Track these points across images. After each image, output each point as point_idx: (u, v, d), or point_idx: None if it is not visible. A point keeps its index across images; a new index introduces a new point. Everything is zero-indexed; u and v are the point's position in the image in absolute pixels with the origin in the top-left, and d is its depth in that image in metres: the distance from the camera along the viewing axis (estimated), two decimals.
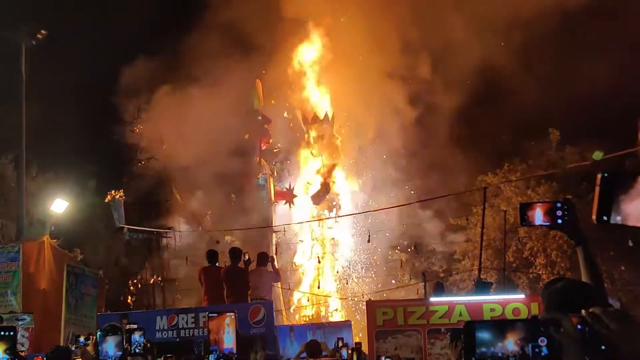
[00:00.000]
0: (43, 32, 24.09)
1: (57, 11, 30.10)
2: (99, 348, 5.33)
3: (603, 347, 2.43)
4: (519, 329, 2.25)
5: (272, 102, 32.88)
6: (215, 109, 28.80)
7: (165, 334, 15.60)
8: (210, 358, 5.10)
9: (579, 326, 2.79)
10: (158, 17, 32.66)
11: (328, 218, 31.20)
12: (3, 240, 21.30)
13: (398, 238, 32.42)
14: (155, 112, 30.72)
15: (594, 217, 1.94)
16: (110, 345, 5.31)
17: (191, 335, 15.19)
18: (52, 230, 22.04)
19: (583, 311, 2.76)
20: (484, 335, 2.23)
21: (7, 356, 4.05)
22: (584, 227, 3.94)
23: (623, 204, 2.02)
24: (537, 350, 2.22)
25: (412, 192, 30.87)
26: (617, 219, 2.34)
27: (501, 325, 2.26)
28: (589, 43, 29.59)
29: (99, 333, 5.50)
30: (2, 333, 4.06)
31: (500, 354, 2.23)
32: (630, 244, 24.77)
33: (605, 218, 1.86)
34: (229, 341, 5.05)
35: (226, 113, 29.45)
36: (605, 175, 1.76)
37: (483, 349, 2.23)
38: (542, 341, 2.23)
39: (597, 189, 1.85)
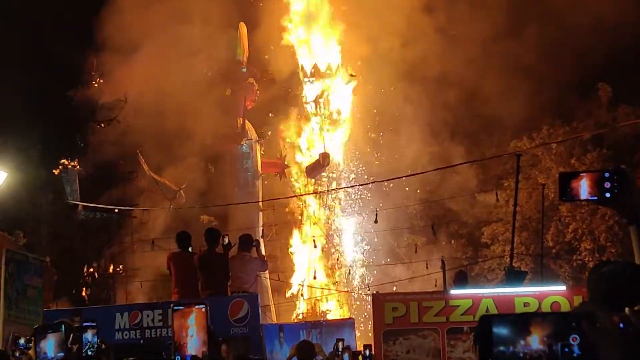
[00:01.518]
0: None
1: None
2: (37, 348, 5.31)
3: None
4: (546, 324, 2.20)
5: (266, 56, 32.86)
6: (190, 59, 28.73)
7: (126, 334, 15.58)
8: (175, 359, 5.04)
9: (621, 325, 2.74)
10: None
11: (325, 191, 31.23)
12: None
13: (412, 218, 32.47)
14: (118, 64, 30.63)
15: None
16: (49, 344, 5.26)
17: (158, 335, 15.15)
18: None
19: (627, 309, 2.71)
20: (502, 331, 2.20)
21: None
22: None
23: None
24: (567, 349, 2.17)
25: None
26: None
27: (524, 320, 2.21)
28: None
29: (35, 331, 5.46)
30: None
31: (521, 354, 2.19)
32: None
33: None
34: (194, 344, 4.96)
35: (203, 64, 29.40)
36: None
37: (501, 348, 2.20)
38: (574, 339, 2.18)
39: None
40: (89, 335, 6.22)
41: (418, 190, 32.83)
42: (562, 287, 16.97)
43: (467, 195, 32.96)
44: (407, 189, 31.58)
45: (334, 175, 32.37)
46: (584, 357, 2.19)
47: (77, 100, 31.68)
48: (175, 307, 5.40)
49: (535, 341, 2.18)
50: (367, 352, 13.70)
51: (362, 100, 33.24)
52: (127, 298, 29.49)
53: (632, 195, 3.72)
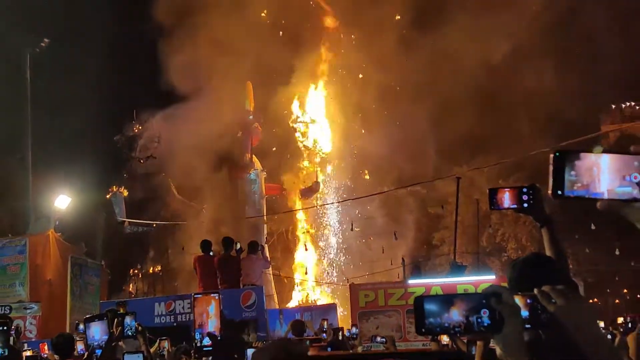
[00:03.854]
0: (46, 40, 24.13)
1: (62, 21, 29.93)
2: (87, 333, 5.28)
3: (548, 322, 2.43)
4: (464, 302, 2.26)
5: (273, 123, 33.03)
6: (209, 109, 28.73)
7: (163, 319, 15.52)
8: (196, 336, 5.04)
9: (528, 300, 2.77)
10: (155, 26, 32.39)
11: (314, 207, 31.24)
12: (12, 234, 21.17)
13: (380, 226, 32.44)
14: (153, 113, 30.80)
15: (549, 192, 1.95)
16: (96, 330, 5.24)
17: (187, 320, 15.02)
18: (56, 224, 21.90)
19: (535, 290, 2.76)
20: (431, 307, 2.26)
21: (0, 349, 4.09)
22: (553, 213, 3.94)
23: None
24: (479, 320, 2.22)
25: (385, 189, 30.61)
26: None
27: (447, 299, 2.27)
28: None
29: (85, 320, 5.43)
30: None
31: (446, 324, 2.23)
32: (593, 227, 24.96)
33: (559, 192, 1.89)
34: (212, 324, 4.98)
35: (219, 113, 29.35)
36: (557, 154, 1.81)
37: (431, 320, 2.23)
38: (485, 312, 2.23)
39: (551, 167, 1.87)
40: (128, 320, 6.21)
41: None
42: (493, 276, 17.02)
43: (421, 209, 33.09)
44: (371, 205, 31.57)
45: (321, 196, 32.37)
46: (492, 325, 2.25)
47: (123, 141, 31.75)
48: (196, 295, 5.37)
49: (456, 314, 2.23)
50: (354, 328, 13.72)
51: (340, 139, 33.43)
52: (164, 292, 29.32)
53: (543, 205, 3.77)
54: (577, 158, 1.81)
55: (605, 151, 1.82)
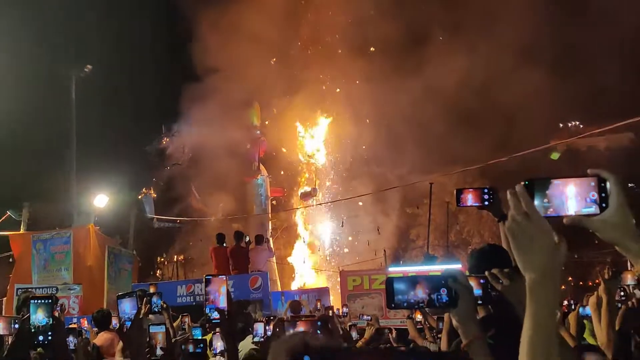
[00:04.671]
0: (89, 66, 24.21)
1: (103, 49, 29.95)
2: (119, 308, 5.36)
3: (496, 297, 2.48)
4: (426, 282, 2.30)
5: (266, 122, 32.88)
6: (224, 125, 28.78)
7: (184, 299, 15.64)
8: (207, 310, 5.09)
9: (481, 281, 2.83)
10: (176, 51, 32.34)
11: (310, 206, 31.31)
12: (59, 228, 21.27)
13: (366, 223, 32.46)
14: (179, 127, 30.87)
15: None
16: (127, 306, 5.31)
17: (204, 300, 15.08)
18: (95, 219, 22.00)
19: (486, 272, 2.81)
20: (400, 286, 2.29)
21: (46, 319, 4.18)
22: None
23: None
24: (439, 297, 2.27)
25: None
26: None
27: (413, 279, 2.30)
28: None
29: (117, 297, 5.49)
30: (43, 301, 4.22)
31: (412, 301, 2.27)
32: None
33: None
34: (222, 301, 5.04)
35: (232, 128, 29.39)
36: (527, 183, 1.83)
37: (400, 297, 2.27)
38: (443, 291, 2.28)
39: None
40: (155, 298, 6.27)
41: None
42: (459, 265, 16.99)
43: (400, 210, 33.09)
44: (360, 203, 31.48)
45: (318, 198, 32.37)
46: (450, 301, 2.29)
47: (152, 151, 31.81)
48: (207, 277, 5.41)
49: (420, 292, 2.27)
50: (345, 309, 13.78)
51: (335, 151, 33.49)
52: (185, 277, 29.29)
53: (500, 203, 3.83)
54: (545, 186, 1.78)
55: (567, 177, 1.81)
